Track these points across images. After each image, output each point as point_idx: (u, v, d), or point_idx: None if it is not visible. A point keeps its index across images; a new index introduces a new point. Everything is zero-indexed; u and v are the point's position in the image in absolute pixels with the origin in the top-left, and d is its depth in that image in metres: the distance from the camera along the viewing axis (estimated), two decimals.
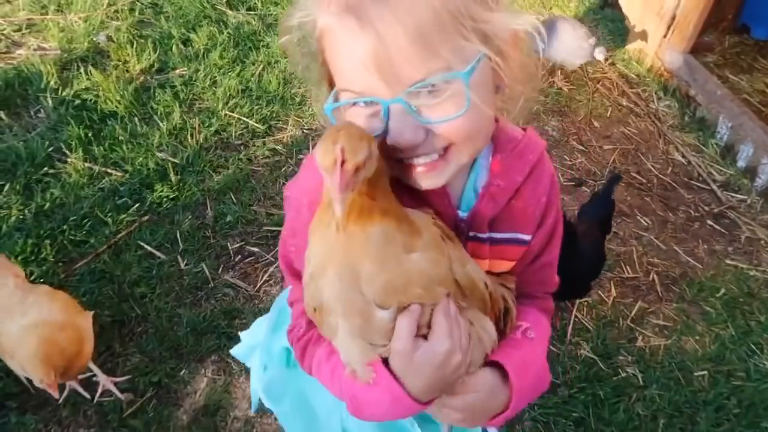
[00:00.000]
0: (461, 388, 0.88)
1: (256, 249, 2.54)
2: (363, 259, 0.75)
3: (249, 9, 3.97)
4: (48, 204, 2.56)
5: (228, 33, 3.68)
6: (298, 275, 0.96)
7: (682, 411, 2.13)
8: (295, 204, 0.99)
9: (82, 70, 3.26)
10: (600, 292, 2.52)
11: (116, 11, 3.79)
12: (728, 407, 2.15)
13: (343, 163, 0.67)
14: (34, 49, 3.42)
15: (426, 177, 0.84)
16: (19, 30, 3.59)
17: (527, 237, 0.99)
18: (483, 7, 0.77)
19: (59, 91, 3.12)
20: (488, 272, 0.96)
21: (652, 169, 3.15)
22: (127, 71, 3.34)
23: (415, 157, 0.82)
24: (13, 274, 1.92)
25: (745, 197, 3.02)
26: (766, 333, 2.40)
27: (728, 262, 2.69)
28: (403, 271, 0.76)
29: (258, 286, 2.42)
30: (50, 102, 3.05)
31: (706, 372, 2.25)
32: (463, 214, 0.94)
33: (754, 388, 2.21)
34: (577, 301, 2.45)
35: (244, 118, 3.14)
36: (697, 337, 2.38)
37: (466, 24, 0.74)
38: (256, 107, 3.21)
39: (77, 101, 3.07)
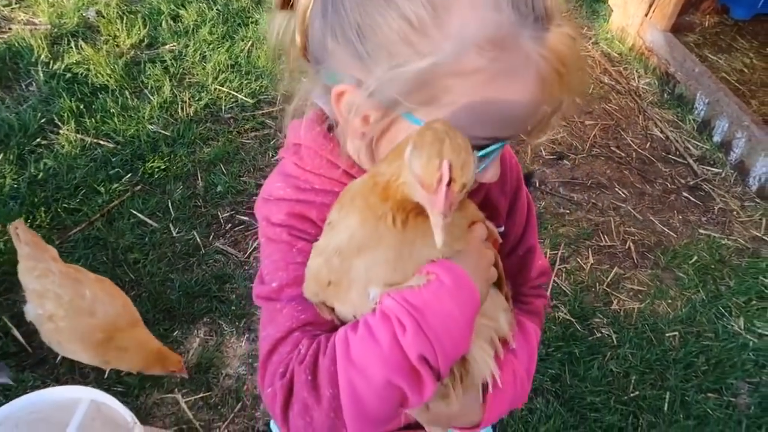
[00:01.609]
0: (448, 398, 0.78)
1: (245, 218, 2.61)
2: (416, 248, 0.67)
3: None
4: (41, 174, 2.61)
5: (217, 9, 3.71)
6: (284, 300, 0.79)
7: (653, 368, 2.24)
8: (288, 232, 0.82)
9: (72, 44, 3.29)
10: (578, 259, 2.63)
11: None
12: (697, 365, 2.26)
13: (450, 182, 0.56)
14: (24, 24, 3.44)
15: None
16: (9, 5, 3.60)
17: (501, 227, 0.97)
18: None
19: (50, 65, 3.15)
20: None
21: (632, 143, 3.25)
22: (117, 46, 3.38)
23: None
24: (51, 258, 1.91)
25: (720, 170, 3.13)
26: (734, 297, 2.51)
27: (702, 231, 2.80)
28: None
29: (248, 252, 2.49)
30: (41, 75, 3.09)
31: (676, 333, 2.37)
32: None
33: (722, 347, 2.32)
34: (556, 267, 2.55)
35: (234, 92, 3.19)
36: (670, 301, 2.49)
37: None
38: (246, 82, 3.26)
39: (68, 75, 3.11)
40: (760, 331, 2.40)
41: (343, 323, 0.73)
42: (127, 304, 1.95)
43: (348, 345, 0.68)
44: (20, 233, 1.92)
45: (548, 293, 1.22)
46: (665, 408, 2.12)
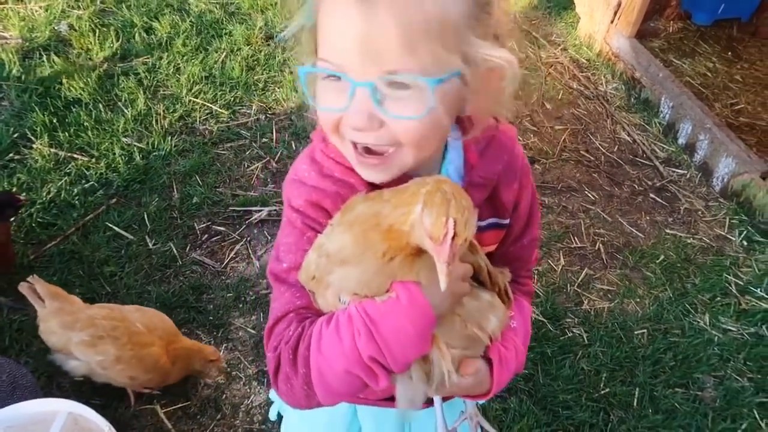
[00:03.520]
0: (463, 370, 0.91)
1: (222, 228, 2.64)
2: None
3: None
4: (15, 188, 2.60)
5: (190, 21, 3.74)
6: (288, 285, 0.93)
7: (623, 365, 2.31)
8: (302, 220, 0.93)
9: (44, 58, 3.28)
10: (549, 261, 2.69)
11: (77, 0, 3.80)
12: (665, 361, 2.34)
13: (453, 236, 0.68)
14: None
15: (370, 169, 0.86)
16: None
17: (505, 221, 1.05)
18: (473, 32, 0.80)
19: (22, 79, 3.15)
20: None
21: (600, 147, 3.34)
22: (90, 59, 3.38)
23: (364, 143, 0.84)
24: (82, 305, 1.91)
25: (685, 172, 3.23)
26: (700, 294, 2.60)
27: (668, 231, 2.89)
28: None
29: (225, 263, 2.51)
30: (13, 90, 3.08)
31: (645, 330, 2.44)
32: None
33: (689, 343, 2.40)
34: None
35: (208, 104, 3.21)
36: (638, 300, 2.56)
37: (453, 40, 0.78)
38: (220, 93, 3.29)
39: (40, 89, 3.10)
40: (724, 326, 2.48)
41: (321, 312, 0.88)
42: (162, 316, 1.99)
43: (320, 337, 0.84)
44: (39, 289, 1.84)
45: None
46: (635, 403, 2.19)
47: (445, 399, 1.13)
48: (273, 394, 1.49)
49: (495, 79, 0.84)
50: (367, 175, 0.88)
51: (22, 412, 1.39)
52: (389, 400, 1.10)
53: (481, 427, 1.12)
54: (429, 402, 1.09)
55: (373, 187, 0.90)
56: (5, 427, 1.39)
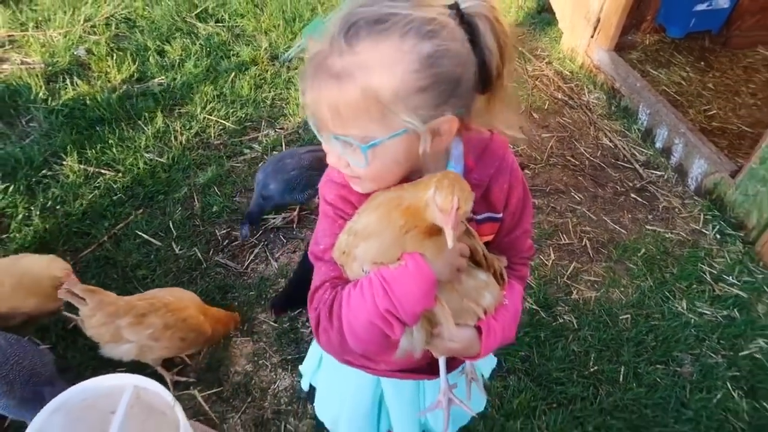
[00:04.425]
0: (452, 337, 1.12)
1: (244, 222, 2.86)
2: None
3: (217, 21, 4.30)
4: (50, 202, 2.84)
5: (200, 44, 4.00)
6: (324, 261, 1.14)
7: (609, 346, 2.56)
8: (333, 211, 1.15)
9: (67, 81, 3.53)
10: (541, 257, 2.95)
11: (93, 26, 4.06)
12: (647, 341, 2.59)
13: (457, 209, 0.90)
14: (19, 64, 3.67)
15: (354, 184, 1.09)
16: (2, 46, 3.83)
17: (499, 215, 1.25)
18: (422, 106, 0.93)
19: (48, 101, 3.39)
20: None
21: (584, 152, 3.62)
22: (109, 81, 3.63)
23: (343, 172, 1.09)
24: (116, 296, 2.09)
25: (663, 173, 3.51)
26: (678, 282, 2.86)
27: (648, 227, 3.16)
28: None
29: (246, 265, 2.75)
30: (41, 111, 3.32)
31: (629, 315, 2.69)
32: None
33: (668, 325, 2.66)
34: None
35: (221, 120, 3.47)
36: (622, 289, 2.82)
37: (389, 115, 0.92)
38: (232, 110, 3.54)
39: (66, 110, 3.35)
40: (700, 310, 2.75)
41: (350, 281, 1.08)
42: (184, 290, 2.27)
43: (349, 297, 1.04)
44: (77, 290, 1.99)
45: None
46: (620, 379, 2.44)
47: (450, 369, 1.35)
48: (303, 367, 1.70)
49: (448, 130, 0.99)
50: (355, 188, 1.09)
51: (94, 386, 1.62)
52: (405, 371, 1.39)
53: (474, 387, 1.36)
54: (435, 374, 1.33)
55: None
56: (80, 400, 1.62)
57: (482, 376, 1.62)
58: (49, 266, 2.20)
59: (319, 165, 2.67)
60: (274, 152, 3.33)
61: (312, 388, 1.72)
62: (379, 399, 1.54)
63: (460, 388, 1.35)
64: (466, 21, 0.93)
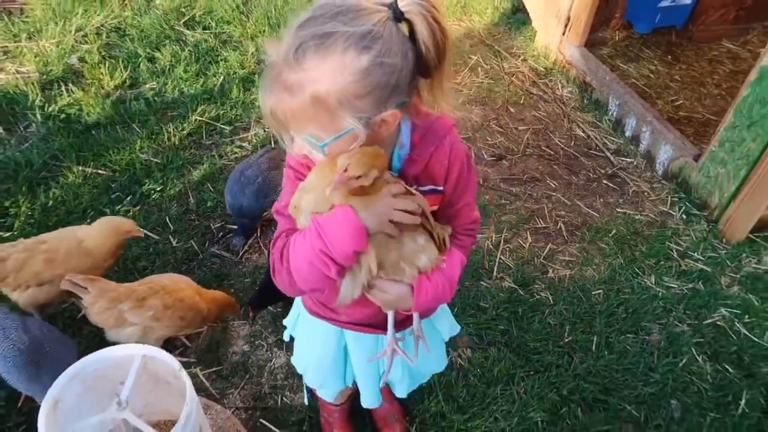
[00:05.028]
0: (386, 289, 1.31)
1: (234, 226, 3.02)
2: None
3: (204, 28, 4.46)
4: (51, 201, 2.98)
5: (189, 50, 4.16)
6: (283, 216, 1.35)
7: (583, 319, 2.74)
8: (294, 174, 1.34)
9: (62, 88, 3.68)
10: (519, 240, 3.13)
11: (84, 36, 4.21)
12: (617, 314, 2.78)
13: (345, 171, 1.07)
14: (15, 73, 3.81)
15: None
16: None
17: (440, 188, 1.40)
18: (366, 105, 1.08)
19: (45, 108, 3.53)
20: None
21: (559, 143, 3.81)
22: (103, 87, 3.78)
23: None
24: (115, 284, 2.23)
25: (632, 160, 3.71)
26: (646, 260, 3.05)
27: (619, 210, 3.36)
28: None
29: (240, 254, 2.91)
30: (38, 117, 3.47)
31: (601, 291, 2.88)
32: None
33: (637, 298, 2.85)
34: (501, 247, 3.05)
35: (212, 122, 3.63)
36: (595, 267, 3.01)
37: (339, 115, 1.08)
38: (222, 112, 3.70)
39: (62, 115, 3.50)
40: (667, 284, 2.94)
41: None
42: (178, 275, 2.44)
43: (295, 241, 1.23)
44: (78, 280, 2.14)
45: (477, 236, 1.64)
46: (593, 348, 2.62)
47: (403, 327, 1.55)
48: (286, 321, 1.90)
49: (389, 124, 1.16)
50: None
51: (106, 356, 1.76)
52: (365, 325, 1.58)
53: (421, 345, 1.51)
54: (400, 326, 1.53)
55: None
56: (94, 369, 1.76)
57: (443, 339, 1.81)
58: (114, 224, 2.43)
59: (276, 163, 2.84)
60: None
61: (292, 339, 1.91)
62: (344, 353, 1.73)
63: (408, 343, 1.53)
64: (405, 19, 1.08)
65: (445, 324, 1.76)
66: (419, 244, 1.30)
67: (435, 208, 1.40)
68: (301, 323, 1.80)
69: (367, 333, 1.60)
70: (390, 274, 1.29)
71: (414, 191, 1.26)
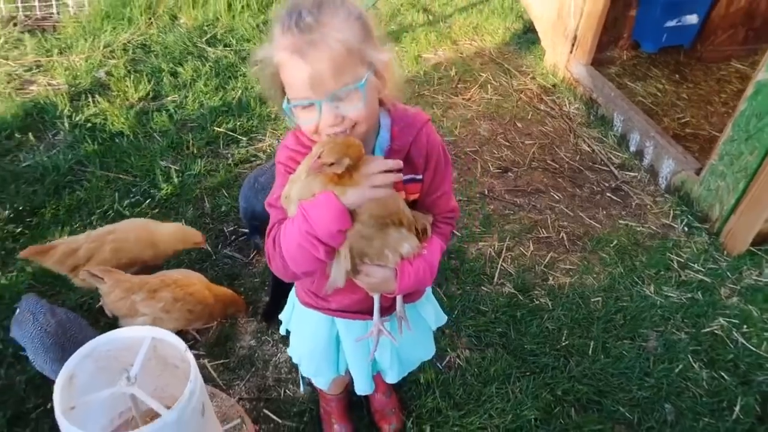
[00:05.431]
0: (371, 273, 1.40)
1: (247, 230, 3.16)
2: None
3: (225, 45, 4.67)
4: (75, 203, 3.16)
5: (209, 66, 4.36)
6: (276, 208, 1.47)
7: (581, 324, 2.80)
8: (284, 168, 1.44)
9: (89, 99, 3.89)
10: (521, 248, 3.22)
11: (112, 51, 4.44)
12: (615, 320, 2.83)
13: (319, 157, 1.19)
14: (46, 85, 4.04)
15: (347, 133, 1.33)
16: (30, 70, 4.21)
17: (419, 177, 1.53)
18: (371, 48, 1.27)
19: (72, 117, 3.74)
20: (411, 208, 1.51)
21: (564, 157, 3.90)
22: (127, 99, 3.99)
23: (339, 131, 1.36)
24: (129, 275, 2.37)
25: (636, 174, 3.79)
26: (647, 270, 3.11)
27: (621, 222, 3.43)
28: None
29: (251, 256, 3.04)
30: (66, 126, 3.67)
31: (600, 298, 2.94)
32: None
33: (636, 306, 2.90)
34: (503, 255, 3.14)
35: (230, 132, 3.79)
36: (595, 275, 3.08)
37: (358, 58, 1.24)
38: (239, 123, 3.88)
39: (89, 124, 3.70)
40: (666, 293, 2.99)
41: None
42: (189, 271, 2.57)
43: (286, 228, 1.33)
44: (96, 271, 2.31)
45: (456, 225, 1.76)
46: (590, 352, 2.68)
47: (388, 312, 1.66)
48: (282, 315, 2.00)
49: (389, 69, 1.33)
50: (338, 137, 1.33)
51: (117, 337, 1.88)
52: (354, 312, 1.69)
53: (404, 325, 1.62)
54: (386, 312, 1.65)
55: None
56: (107, 350, 1.89)
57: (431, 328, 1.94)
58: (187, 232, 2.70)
59: None
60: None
61: (288, 333, 2.02)
62: (336, 342, 1.84)
63: (393, 325, 1.64)
64: None
65: (431, 313, 1.86)
66: (402, 233, 1.42)
67: (416, 196, 1.53)
68: (295, 315, 1.91)
69: (356, 319, 1.71)
70: (375, 260, 1.41)
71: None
